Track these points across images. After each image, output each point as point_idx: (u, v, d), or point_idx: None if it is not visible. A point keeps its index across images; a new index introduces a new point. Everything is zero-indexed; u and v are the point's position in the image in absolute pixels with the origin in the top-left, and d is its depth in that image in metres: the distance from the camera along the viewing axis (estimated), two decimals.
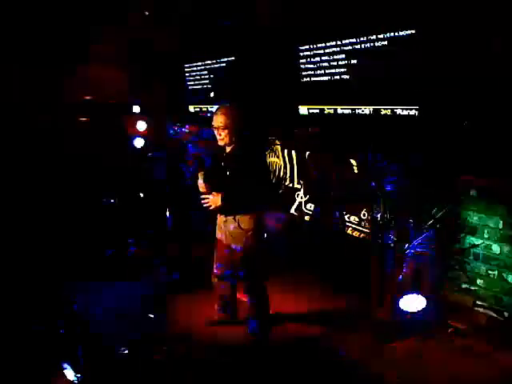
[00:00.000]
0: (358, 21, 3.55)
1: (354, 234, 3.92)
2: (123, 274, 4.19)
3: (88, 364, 2.73)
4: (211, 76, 5.66)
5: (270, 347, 3.05)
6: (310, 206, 4.44)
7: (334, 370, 2.81)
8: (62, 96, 6.13)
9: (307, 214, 4.46)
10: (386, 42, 3.34)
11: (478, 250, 3.05)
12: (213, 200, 2.87)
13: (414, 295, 3.12)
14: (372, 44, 3.45)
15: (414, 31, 3.12)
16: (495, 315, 2.97)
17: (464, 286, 3.13)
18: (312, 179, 4.41)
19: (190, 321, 3.40)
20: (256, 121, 4.24)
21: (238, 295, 3.29)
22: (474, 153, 2.90)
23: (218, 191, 2.89)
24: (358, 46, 3.57)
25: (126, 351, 2.95)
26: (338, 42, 3.73)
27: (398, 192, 3.11)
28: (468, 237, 3.10)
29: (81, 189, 5.48)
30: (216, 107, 2.99)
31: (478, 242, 3.05)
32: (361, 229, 3.87)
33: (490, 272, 3.00)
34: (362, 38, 3.52)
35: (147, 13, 6.23)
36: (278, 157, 4.75)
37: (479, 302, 3.06)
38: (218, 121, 2.83)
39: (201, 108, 6.02)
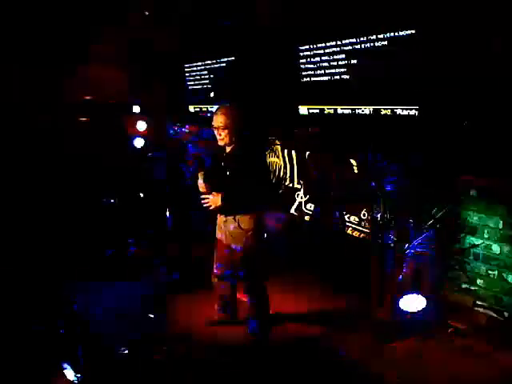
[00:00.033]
0: (358, 21, 3.54)
1: (354, 234, 3.92)
2: (123, 274, 4.19)
3: (88, 364, 2.73)
4: (211, 76, 5.66)
5: (270, 347, 3.05)
6: (310, 206, 4.44)
7: (334, 370, 2.81)
8: (61, 96, 6.13)
9: (307, 214, 4.46)
10: (385, 42, 3.34)
11: (478, 250, 3.05)
12: (213, 200, 2.87)
13: (414, 295, 3.12)
14: (372, 44, 3.45)
15: (413, 31, 3.12)
16: (495, 315, 2.97)
17: (464, 286, 3.13)
18: (312, 179, 4.41)
19: (190, 321, 3.40)
20: (256, 121, 4.24)
21: (238, 295, 3.29)
22: (473, 153, 2.90)
23: (218, 191, 2.89)
24: (358, 46, 3.57)
25: (126, 351, 2.95)
26: (338, 42, 3.73)
27: (398, 192, 3.11)
28: (468, 237, 3.10)
29: (81, 189, 5.48)
30: (216, 107, 2.98)
31: (478, 242, 3.05)
32: (361, 229, 3.87)
33: (489, 272, 3.00)
34: (362, 38, 3.52)
35: (147, 13, 6.22)
36: (278, 157, 4.75)
37: (479, 302, 3.06)
38: (218, 121, 2.83)
39: (201, 108, 6.02)
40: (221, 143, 2.90)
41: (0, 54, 5.66)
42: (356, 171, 3.81)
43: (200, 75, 5.86)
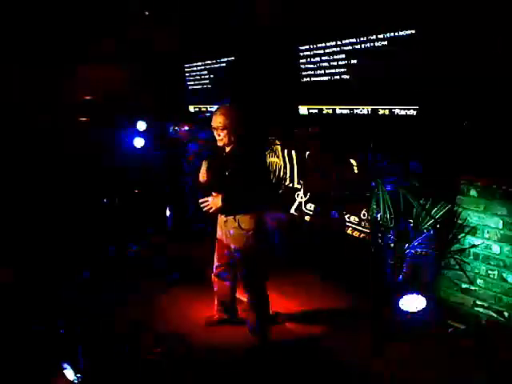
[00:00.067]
0: (358, 21, 3.55)
1: (354, 234, 3.92)
2: (123, 274, 4.20)
3: (88, 364, 2.73)
4: (211, 76, 5.66)
5: (270, 347, 3.05)
6: (310, 206, 4.44)
7: (333, 370, 2.81)
8: (61, 96, 6.13)
9: (307, 214, 4.46)
10: (386, 42, 3.34)
11: (478, 250, 3.05)
12: (213, 202, 2.86)
13: (414, 295, 3.12)
14: (372, 44, 3.45)
15: (413, 31, 3.12)
16: (495, 315, 2.97)
17: (464, 286, 3.13)
18: (312, 179, 4.41)
19: (190, 321, 3.41)
20: (256, 121, 4.24)
21: (238, 295, 3.29)
22: (473, 153, 2.90)
23: (217, 191, 2.89)
24: (358, 46, 3.57)
25: (126, 351, 2.95)
26: (338, 42, 3.74)
27: (398, 192, 3.11)
28: (468, 237, 3.09)
29: (80, 189, 5.48)
30: (216, 107, 2.98)
31: (478, 241, 3.05)
32: (361, 229, 3.87)
33: (489, 272, 3.00)
34: (362, 38, 3.52)
35: (147, 13, 6.22)
36: (278, 157, 4.75)
37: (479, 302, 3.06)
38: (217, 121, 2.82)
39: (200, 108, 6.02)
40: (220, 143, 2.90)
41: (0, 54, 5.66)
42: (356, 171, 3.82)
43: (200, 75, 5.86)
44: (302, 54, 4.12)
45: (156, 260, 4.51)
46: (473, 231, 3.07)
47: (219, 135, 2.85)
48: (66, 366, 2.64)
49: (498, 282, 2.96)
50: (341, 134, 3.86)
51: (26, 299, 3.55)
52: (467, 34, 2.82)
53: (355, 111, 3.72)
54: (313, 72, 4.07)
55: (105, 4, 6.00)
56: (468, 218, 3.09)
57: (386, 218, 3.18)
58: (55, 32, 5.93)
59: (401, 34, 3.21)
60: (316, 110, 4.12)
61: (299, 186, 4.57)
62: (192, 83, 6.05)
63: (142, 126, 5.52)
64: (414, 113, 3.25)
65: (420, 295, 3.12)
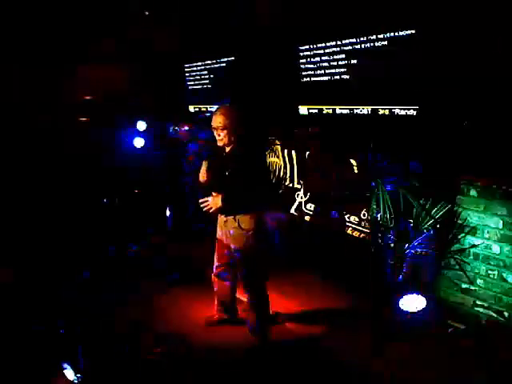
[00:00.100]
0: (358, 21, 3.55)
1: (354, 234, 3.92)
2: (123, 274, 4.20)
3: (88, 364, 2.73)
4: (211, 76, 5.66)
5: (270, 347, 3.05)
6: (310, 206, 4.44)
7: (333, 370, 2.81)
8: (61, 96, 6.13)
9: (307, 214, 4.46)
10: (386, 42, 3.34)
11: (478, 250, 3.05)
12: (213, 202, 2.86)
13: (414, 295, 3.12)
14: (372, 44, 3.45)
15: (414, 31, 3.12)
16: (495, 315, 2.97)
17: (464, 286, 3.13)
18: (312, 179, 4.41)
19: (190, 321, 3.41)
20: (256, 121, 4.24)
21: (238, 295, 3.29)
22: (473, 153, 2.90)
23: (217, 191, 2.89)
24: (358, 46, 3.57)
25: (126, 351, 2.95)
26: (338, 42, 3.74)
27: (398, 192, 3.11)
28: (468, 237, 3.09)
29: (80, 189, 5.48)
30: (216, 107, 2.98)
31: (478, 241, 3.05)
32: (361, 229, 3.87)
33: (489, 272, 3.00)
34: (362, 38, 3.52)
35: (147, 13, 6.22)
36: (278, 157, 4.75)
37: (479, 302, 3.06)
38: (217, 121, 2.82)
39: (200, 108, 6.02)
40: (220, 143, 2.90)
41: (0, 54, 5.66)
42: (356, 171, 3.82)
43: (200, 75, 5.86)
44: (301, 53, 4.12)
45: (156, 260, 4.51)
46: (473, 231, 3.07)
47: (219, 135, 2.85)
48: (65, 365, 2.64)
49: (498, 282, 2.96)
50: (341, 134, 3.86)
51: (26, 299, 3.55)
52: (467, 33, 2.82)
53: (355, 111, 3.72)
54: (313, 72, 4.06)
55: (105, 4, 6.00)
56: (468, 218, 3.09)
57: (386, 217, 3.18)
58: (55, 32, 5.93)
59: (401, 34, 3.21)
60: (316, 110, 4.12)
61: (299, 186, 4.57)
62: (192, 83, 6.05)
63: (141, 126, 5.52)
64: (414, 113, 3.25)
65: (420, 295, 3.12)
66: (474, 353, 2.81)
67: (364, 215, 3.81)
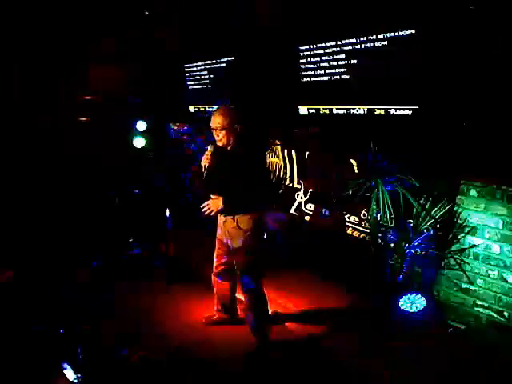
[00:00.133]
0: (358, 21, 3.55)
1: (354, 234, 3.92)
2: (123, 274, 4.20)
3: (88, 364, 2.73)
4: (211, 76, 5.66)
5: (270, 347, 3.05)
6: (310, 206, 4.44)
7: (333, 370, 2.81)
8: (62, 96, 6.13)
9: (307, 214, 4.46)
10: (385, 42, 3.34)
11: (478, 250, 3.05)
12: (213, 203, 2.86)
13: (414, 295, 3.12)
14: (372, 44, 3.45)
15: (413, 31, 3.12)
16: (495, 315, 2.97)
17: (464, 286, 3.13)
18: (312, 179, 4.41)
19: (189, 320, 3.41)
20: (256, 121, 4.24)
21: (238, 295, 3.29)
22: (473, 153, 2.90)
23: (216, 193, 2.89)
24: (358, 46, 3.57)
25: (126, 351, 2.95)
26: (338, 42, 3.74)
27: (398, 192, 3.11)
28: (468, 237, 3.09)
29: (81, 189, 5.48)
30: (216, 107, 2.98)
31: (478, 241, 3.05)
32: (361, 229, 3.87)
33: (489, 272, 3.00)
34: (362, 38, 3.52)
35: (147, 13, 6.22)
36: (278, 157, 4.75)
37: (479, 302, 3.06)
38: (216, 122, 2.82)
39: (199, 108, 6.02)
40: (219, 144, 2.90)
41: (0, 54, 5.66)
42: (356, 171, 3.81)
43: (200, 75, 5.86)
44: (302, 54, 4.12)
45: (156, 260, 4.51)
46: (473, 231, 3.07)
47: (218, 136, 2.85)
48: (66, 366, 2.64)
49: (498, 282, 2.96)
50: (341, 134, 3.87)
51: (26, 299, 3.55)
52: (467, 33, 2.82)
53: (355, 111, 3.72)
54: (313, 72, 4.06)
55: (105, 4, 6.00)
56: (468, 218, 3.09)
57: (386, 217, 3.18)
58: (55, 32, 5.93)
59: (401, 34, 3.21)
60: (316, 110, 4.12)
61: (299, 186, 4.57)
62: (192, 83, 6.05)
63: (141, 126, 5.51)
64: (415, 113, 3.25)
65: (420, 295, 3.12)
66: (474, 353, 2.81)
67: (364, 215, 3.81)
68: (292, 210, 4.62)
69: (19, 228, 4.74)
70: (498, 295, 2.96)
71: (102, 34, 6.21)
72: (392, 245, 3.26)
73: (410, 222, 3.18)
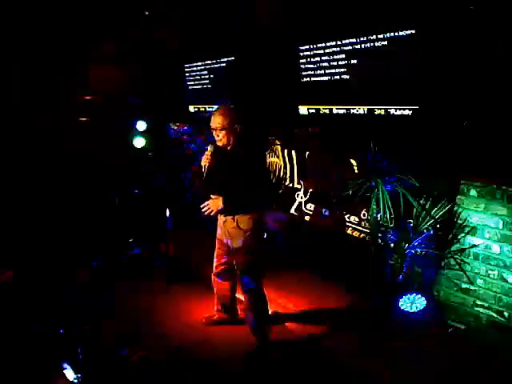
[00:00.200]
0: (358, 21, 3.55)
1: (354, 234, 3.92)
2: (123, 274, 4.20)
3: (88, 364, 2.73)
4: (211, 76, 5.66)
5: (270, 347, 3.05)
6: (310, 206, 4.44)
7: (333, 370, 2.81)
8: (62, 96, 6.13)
9: (307, 214, 4.46)
10: (386, 42, 3.34)
11: (478, 250, 3.05)
12: (213, 203, 2.85)
13: (414, 295, 3.12)
14: (372, 44, 3.45)
15: (413, 31, 3.12)
16: (495, 315, 2.97)
17: (464, 286, 3.13)
18: (312, 179, 4.41)
19: (189, 320, 3.41)
20: (256, 121, 4.24)
21: (238, 295, 3.29)
22: (473, 153, 2.90)
23: (216, 192, 2.89)
24: (358, 46, 3.57)
25: (126, 351, 2.95)
26: (338, 42, 3.74)
27: (398, 192, 3.11)
28: (468, 237, 3.09)
29: (81, 189, 5.48)
30: (216, 107, 2.98)
31: (478, 241, 3.05)
32: (361, 229, 3.87)
33: (489, 272, 3.00)
34: (362, 38, 3.52)
35: (147, 13, 6.22)
36: (278, 157, 4.75)
37: (479, 302, 3.06)
38: (216, 122, 2.82)
39: (199, 108, 6.03)
40: (219, 144, 2.90)
41: (0, 54, 5.66)
42: (356, 171, 3.81)
43: (200, 75, 5.86)
44: (302, 53, 4.12)
45: (156, 260, 4.51)
46: (473, 231, 3.07)
47: (218, 136, 2.85)
48: (66, 366, 2.64)
49: (498, 282, 2.96)
50: (341, 134, 3.86)
51: (26, 299, 3.55)
52: (467, 33, 2.82)
53: (355, 111, 3.72)
54: (313, 72, 4.06)
55: (105, 4, 6.00)
56: (468, 218, 3.09)
57: (386, 217, 3.18)
58: (55, 32, 5.93)
59: (401, 34, 3.21)
60: (316, 110, 4.12)
61: (299, 186, 4.57)
62: (192, 83, 6.05)
63: (141, 126, 5.52)
64: (415, 113, 3.25)
65: (420, 295, 3.12)
66: (474, 353, 2.81)
67: (364, 215, 3.81)
68: (292, 210, 4.62)
69: (19, 228, 4.74)
70: (498, 295, 2.96)
71: (102, 33, 6.21)
72: (392, 245, 3.26)
73: (410, 222, 3.18)
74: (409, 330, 3.03)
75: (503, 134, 2.80)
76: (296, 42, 4.15)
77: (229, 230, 2.95)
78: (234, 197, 2.84)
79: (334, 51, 3.80)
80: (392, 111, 3.43)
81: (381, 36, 3.36)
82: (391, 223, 3.24)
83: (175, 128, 6.39)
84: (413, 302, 3.11)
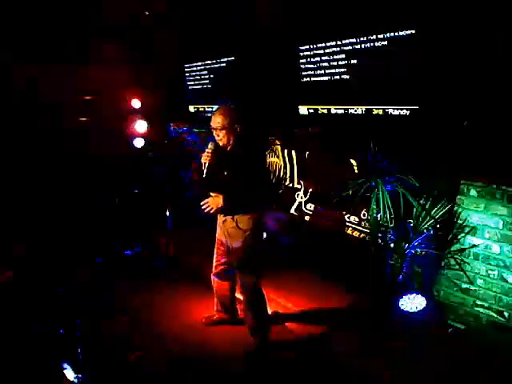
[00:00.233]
0: (358, 21, 3.55)
1: (354, 234, 3.92)
2: (123, 274, 4.20)
3: (88, 364, 2.73)
4: (211, 76, 5.66)
5: (270, 347, 3.05)
6: (310, 206, 4.44)
7: (333, 370, 2.81)
8: (62, 96, 6.12)
9: (307, 214, 4.46)
10: (385, 42, 3.34)
11: (478, 250, 3.05)
12: (213, 201, 2.85)
13: (414, 295, 3.12)
14: (372, 44, 3.45)
15: (414, 31, 3.12)
16: (495, 315, 2.97)
17: (464, 286, 3.13)
18: (312, 179, 4.41)
19: (189, 320, 3.41)
20: (256, 121, 4.24)
21: (238, 295, 3.29)
22: (473, 153, 2.90)
23: (216, 191, 2.89)
24: (358, 46, 3.57)
25: (126, 351, 2.95)
26: (338, 42, 3.74)
27: (398, 192, 3.11)
28: (468, 237, 3.09)
29: (81, 189, 5.48)
30: (216, 107, 2.98)
31: (478, 241, 3.05)
32: (361, 229, 3.87)
33: (489, 272, 3.00)
34: (362, 38, 3.52)
35: (147, 13, 6.22)
36: (278, 157, 4.75)
37: (479, 302, 3.06)
38: (216, 121, 2.83)
39: (198, 108, 6.03)
40: (220, 144, 2.90)
41: (0, 54, 5.66)
42: (356, 171, 3.81)
43: (200, 75, 5.86)
44: (302, 53, 4.12)
45: (156, 260, 4.51)
46: (473, 231, 3.07)
47: (218, 135, 2.85)
48: (66, 365, 2.64)
49: (498, 282, 2.96)
50: (341, 134, 3.86)
51: (26, 299, 3.55)
52: (467, 33, 2.82)
53: (354, 111, 3.72)
54: (313, 72, 4.07)
55: (105, 4, 6.00)
56: (468, 218, 3.09)
57: (386, 217, 3.18)
58: (55, 32, 5.93)
59: (401, 34, 3.21)
60: (316, 110, 4.12)
61: (299, 186, 4.57)
62: (192, 83, 6.05)
63: (142, 126, 5.52)
64: (415, 113, 3.25)
65: (420, 295, 3.12)
66: (474, 353, 2.81)
67: (364, 215, 3.81)
68: (292, 210, 4.62)
69: (19, 228, 4.74)
70: (498, 295, 2.96)
71: (103, 34, 6.21)
72: (392, 245, 3.26)
73: (410, 222, 3.18)
74: (409, 330, 3.02)
75: (503, 134, 2.80)
76: (296, 42, 4.15)
77: (228, 229, 2.95)
78: (233, 196, 2.84)
79: (333, 51, 3.80)
80: (392, 111, 3.43)
81: (381, 36, 3.36)
82: (391, 223, 3.24)
83: (175, 128, 6.39)
84: (413, 302, 3.11)
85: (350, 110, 3.78)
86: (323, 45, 3.89)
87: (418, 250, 3.17)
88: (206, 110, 5.84)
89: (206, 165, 2.83)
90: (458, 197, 3.13)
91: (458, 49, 2.88)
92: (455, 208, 3.13)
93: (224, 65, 5.36)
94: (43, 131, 5.79)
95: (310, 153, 4.36)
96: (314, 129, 4.28)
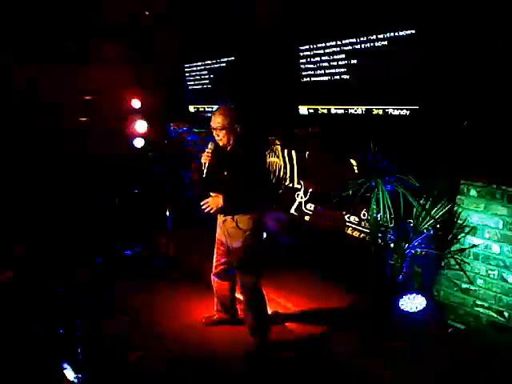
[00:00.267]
0: (358, 21, 3.55)
1: (354, 234, 3.92)
2: (123, 274, 4.20)
3: (88, 364, 2.73)
4: (211, 76, 5.66)
5: (270, 347, 3.05)
6: (310, 206, 4.44)
7: (333, 370, 2.81)
8: (62, 96, 6.13)
9: (307, 214, 4.46)
10: (385, 42, 3.34)
11: (478, 250, 3.05)
12: (213, 201, 2.85)
13: (414, 295, 3.12)
14: (372, 44, 3.45)
15: (413, 31, 3.12)
16: (495, 315, 2.97)
17: (464, 286, 3.13)
18: (312, 179, 4.41)
19: (189, 320, 3.41)
20: (256, 121, 4.24)
21: (238, 295, 3.29)
22: (473, 153, 2.90)
23: (216, 191, 2.89)
24: (358, 46, 3.57)
25: (126, 351, 2.95)
26: (338, 42, 3.74)
27: (398, 192, 3.11)
28: (468, 237, 3.09)
29: (81, 189, 5.48)
30: (216, 107, 2.98)
31: (478, 241, 3.05)
32: (361, 229, 3.87)
33: (489, 272, 3.00)
34: (362, 38, 3.52)
35: (147, 13, 6.22)
36: (278, 157, 4.75)
37: (479, 302, 3.06)
38: (216, 121, 2.83)
39: (198, 108, 6.03)
40: (220, 143, 2.90)
41: (0, 54, 5.66)
42: (356, 171, 3.81)
43: (200, 75, 5.86)
44: (302, 53, 4.12)
45: (156, 260, 4.51)
46: (473, 231, 3.07)
47: (218, 135, 2.85)
48: (66, 365, 2.64)
49: (498, 282, 2.96)
50: (341, 134, 3.86)
51: (26, 299, 3.55)
52: (467, 33, 2.82)
53: (354, 111, 3.72)
54: (313, 72, 4.06)
55: (105, 4, 6.00)
56: (468, 218, 3.09)
57: (386, 217, 3.18)
58: (55, 32, 5.93)
59: (401, 34, 3.21)
60: (316, 110, 4.12)
61: (299, 186, 4.57)
62: (192, 83, 6.05)
63: (142, 126, 5.51)
64: (415, 113, 3.25)
65: (420, 295, 3.12)
66: (474, 353, 2.81)
67: (364, 215, 3.81)
68: (292, 210, 4.62)
69: (19, 228, 4.74)
70: (498, 295, 2.96)
71: (103, 33, 6.21)
72: (392, 245, 3.26)
73: (410, 222, 3.18)
74: (409, 330, 3.02)
75: (503, 134, 2.80)
76: (296, 42, 4.15)
77: (228, 229, 2.95)
78: (234, 196, 2.84)
79: (333, 51, 3.80)
80: (392, 111, 3.43)
81: (381, 36, 3.36)
82: (391, 223, 3.24)
83: (175, 128, 6.39)
84: (413, 302, 3.11)
85: (349, 110, 3.78)
86: (323, 45, 3.89)
87: (418, 250, 3.17)
88: (206, 110, 5.84)
89: (206, 165, 2.83)
90: (458, 197, 3.13)
91: (458, 49, 2.88)
92: (455, 208, 3.13)
93: (224, 65, 5.36)
94: (43, 131, 5.79)
95: (309, 153, 4.36)
96: (313, 129, 4.28)
